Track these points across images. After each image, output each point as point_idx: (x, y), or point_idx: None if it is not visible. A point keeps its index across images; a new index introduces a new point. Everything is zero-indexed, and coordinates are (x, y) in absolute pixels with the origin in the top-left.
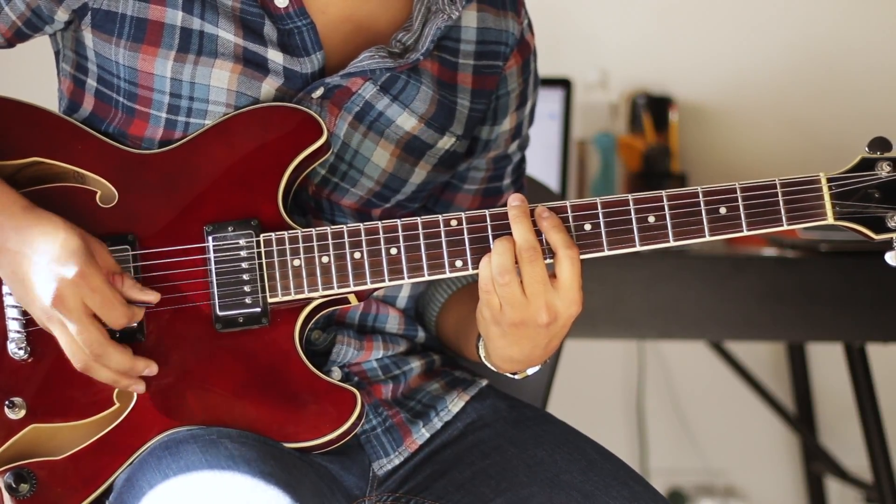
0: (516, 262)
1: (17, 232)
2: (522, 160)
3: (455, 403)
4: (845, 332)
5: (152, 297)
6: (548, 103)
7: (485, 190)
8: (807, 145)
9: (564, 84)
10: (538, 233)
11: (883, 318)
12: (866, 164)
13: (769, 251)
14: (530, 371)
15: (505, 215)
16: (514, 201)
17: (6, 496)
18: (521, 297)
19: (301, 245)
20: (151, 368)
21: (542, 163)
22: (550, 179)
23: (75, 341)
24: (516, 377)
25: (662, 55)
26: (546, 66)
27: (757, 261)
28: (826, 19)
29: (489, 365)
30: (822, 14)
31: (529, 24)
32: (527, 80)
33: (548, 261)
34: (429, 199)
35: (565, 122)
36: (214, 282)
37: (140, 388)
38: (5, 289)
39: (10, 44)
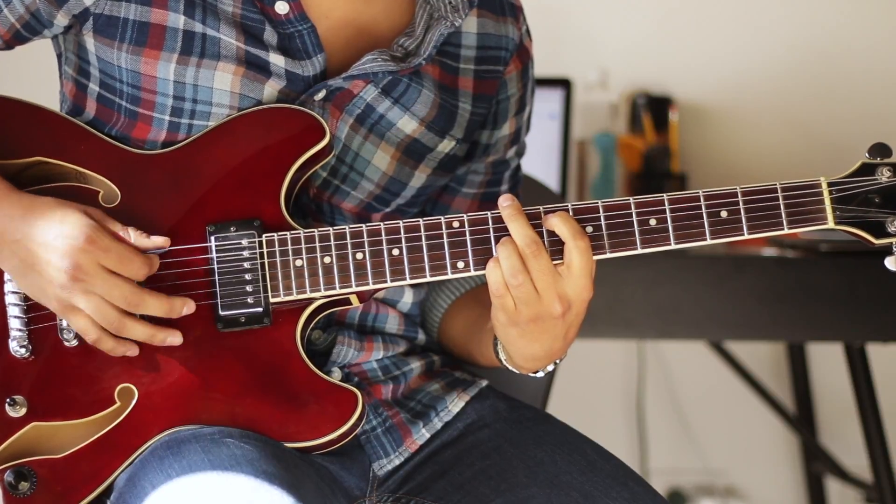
0: (523, 261)
1: (14, 220)
2: (519, 167)
3: (455, 404)
4: (845, 332)
5: (161, 240)
6: (548, 103)
7: (483, 194)
8: (807, 145)
9: (564, 84)
10: (536, 228)
11: (883, 318)
12: (867, 169)
13: (769, 251)
14: (550, 367)
15: None
16: (506, 201)
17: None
18: (534, 294)
19: (303, 245)
20: (189, 306)
21: (542, 163)
22: (550, 179)
23: (105, 304)
24: (539, 375)
25: (662, 55)
26: (546, 66)
27: (757, 261)
28: (826, 20)
29: (511, 368)
30: (822, 14)
31: (528, 31)
32: (526, 86)
33: (556, 261)
34: (427, 202)
35: (565, 122)
36: (217, 281)
37: (177, 338)
38: (7, 287)
39: (8, 46)
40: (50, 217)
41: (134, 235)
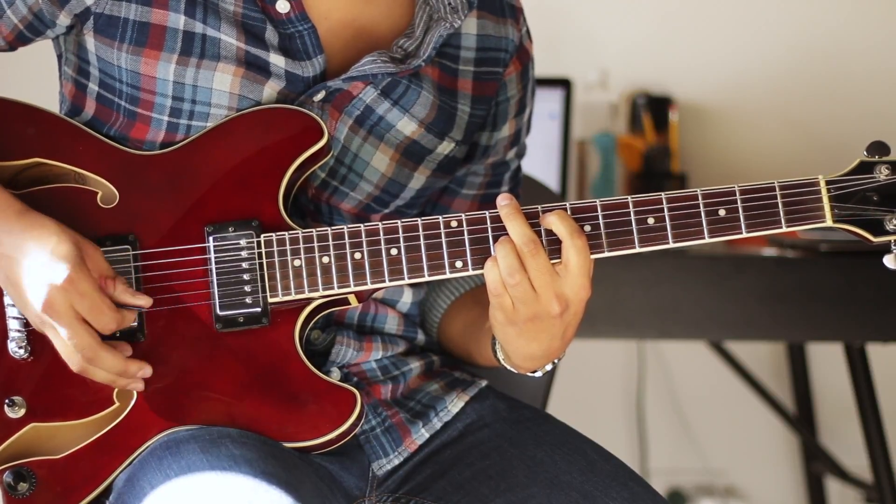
0: (520, 261)
1: (10, 236)
2: (519, 168)
3: (454, 404)
4: (845, 332)
5: (143, 301)
6: (548, 103)
7: (482, 196)
8: (807, 145)
9: (564, 84)
10: (535, 227)
11: (883, 318)
12: (865, 168)
13: (769, 251)
14: (549, 367)
15: None
16: (503, 200)
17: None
18: (532, 293)
19: (301, 245)
20: (145, 371)
21: (542, 163)
22: (550, 179)
23: (67, 345)
24: (537, 375)
25: (662, 55)
26: (546, 66)
27: (757, 261)
28: (826, 20)
29: (509, 367)
30: (822, 15)
31: (528, 32)
32: (526, 87)
33: (555, 260)
34: (426, 203)
35: (565, 122)
36: (215, 282)
37: (139, 385)
38: None
39: (11, 47)
40: (44, 243)
41: (119, 289)
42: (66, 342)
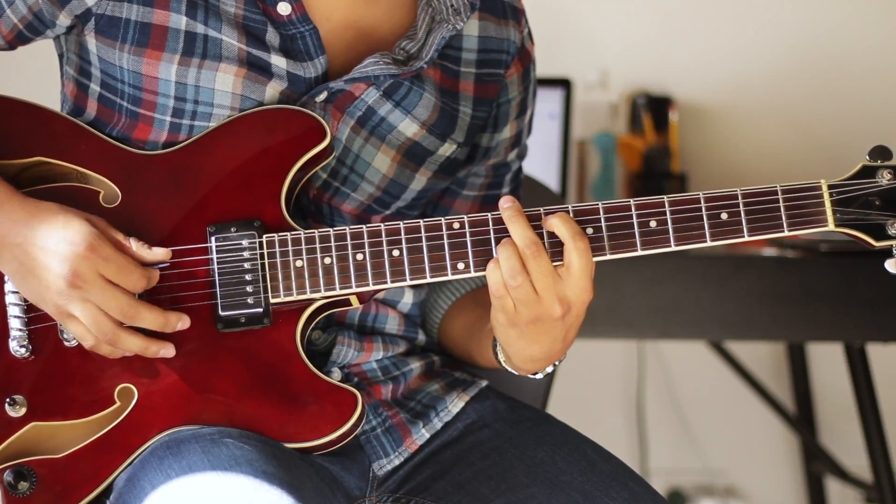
0: (522, 263)
1: (17, 225)
2: (520, 170)
3: (455, 404)
4: (845, 332)
5: (163, 254)
6: (548, 103)
7: (483, 197)
8: (807, 146)
9: (564, 84)
10: (537, 229)
11: (883, 318)
12: (867, 172)
13: (769, 251)
14: (549, 368)
15: None
16: (506, 203)
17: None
18: (534, 295)
19: (304, 246)
20: (184, 321)
21: (542, 163)
22: (550, 179)
23: (100, 313)
24: (538, 376)
25: (662, 55)
26: (546, 66)
27: (757, 261)
28: (827, 20)
29: (510, 369)
30: (822, 15)
31: (530, 34)
32: (527, 89)
33: (557, 262)
34: (427, 205)
35: (565, 122)
36: (217, 282)
37: (170, 351)
38: (7, 286)
39: (11, 46)
40: (52, 222)
41: (136, 246)
42: (97, 312)
